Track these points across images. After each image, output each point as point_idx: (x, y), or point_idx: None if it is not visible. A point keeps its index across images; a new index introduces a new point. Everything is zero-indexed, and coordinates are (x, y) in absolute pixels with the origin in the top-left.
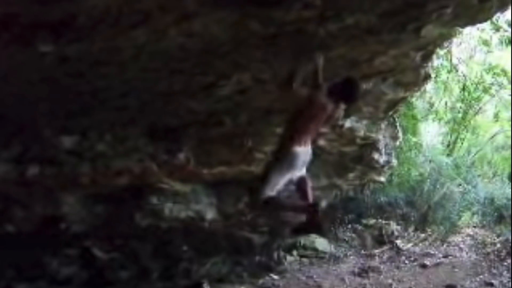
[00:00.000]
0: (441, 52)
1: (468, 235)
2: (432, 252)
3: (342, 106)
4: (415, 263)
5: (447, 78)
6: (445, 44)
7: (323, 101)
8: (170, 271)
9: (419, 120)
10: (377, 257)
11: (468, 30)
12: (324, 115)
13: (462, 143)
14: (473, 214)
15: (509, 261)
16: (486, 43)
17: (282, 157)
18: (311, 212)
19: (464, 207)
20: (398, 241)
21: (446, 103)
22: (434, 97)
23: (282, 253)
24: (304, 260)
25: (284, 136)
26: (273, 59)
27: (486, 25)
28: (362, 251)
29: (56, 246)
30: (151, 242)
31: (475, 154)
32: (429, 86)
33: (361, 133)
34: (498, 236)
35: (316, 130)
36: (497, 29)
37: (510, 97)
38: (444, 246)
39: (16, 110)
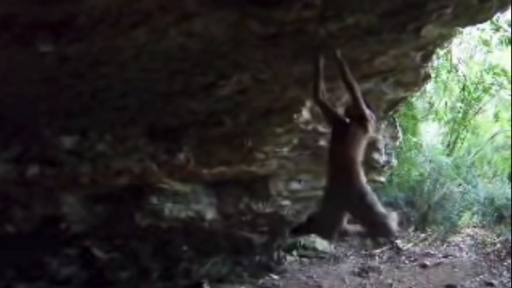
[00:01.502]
0: (441, 52)
1: (468, 235)
2: (432, 252)
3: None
4: (415, 263)
5: (447, 78)
6: (445, 44)
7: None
8: (170, 271)
9: (419, 120)
10: (377, 257)
11: (468, 30)
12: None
13: (462, 143)
14: (473, 214)
15: (509, 261)
16: (486, 43)
17: (362, 197)
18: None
19: (464, 207)
20: (398, 241)
21: (446, 103)
22: (434, 97)
23: (282, 253)
24: (304, 260)
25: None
26: (273, 59)
27: (486, 25)
28: (362, 251)
29: (56, 246)
30: (151, 242)
31: (475, 154)
32: (429, 86)
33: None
34: (498, 236)
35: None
36: (497, 29)
37: (510, 97)
38: (444, 246)
39: (16, 110)
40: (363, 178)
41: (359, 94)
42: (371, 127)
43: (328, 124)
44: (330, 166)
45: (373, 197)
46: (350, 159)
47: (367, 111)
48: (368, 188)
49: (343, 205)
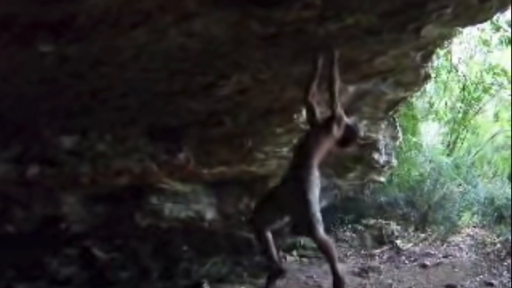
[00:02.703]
0: (441, 52)
1: (468, 235)
2: (432, 252)
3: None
4: (415, 263)
5: (447, 78)
6: (445, 44)
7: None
8: (170, 271)
9: (419, 120)
10: (377, 257)
11: (468, 30)
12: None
13: (462, 143)
14: (473, 214)
15: (509, 261)
16: (486, 43)
17: (307, 177)
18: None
19: (464, 207)
20: (398, 241)
21: (446, 103)
22: (434, 97)
23: (282, 253)
24: (304, 260)
25: (304, 155)
26: (273, 59)
27: (486, 25)
28: (362, 251)
29: (56, 246)
30: (151, 242)
31: (475, 154)
32: (429, 86)
33: (361, 133)
34: (498, 236)
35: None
36: (497, 29)
37: (510, 97)
38: (444, 246)
39: (16, 110)
40: (314, 175)
41: (337, 95)
42: (336, 127)
43: (308, 125)
44: (290, 161)
45: (315, 197)
46: (305, 155)
47: (338, 112)
48: (315, 187)
49: (285, 195)
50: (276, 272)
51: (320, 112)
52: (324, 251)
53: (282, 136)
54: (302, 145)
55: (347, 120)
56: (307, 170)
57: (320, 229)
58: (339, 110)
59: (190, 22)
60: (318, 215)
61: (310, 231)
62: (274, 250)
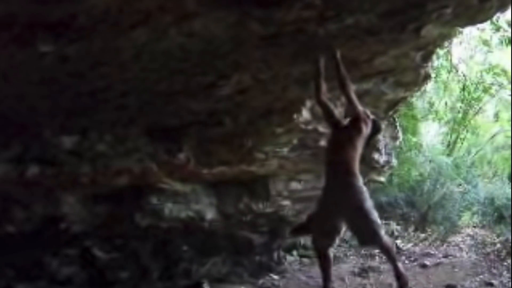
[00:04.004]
0: (441, 52)
1: (468, 235)
2: (432, 252)
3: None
4: (415, 263)
5: (447, 78)
6: (445, 44)
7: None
8: (170, 271)
9: (419, 120)
10: (377, 257)
11: (468, 30)
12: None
13: (462, 143)
14: (473, 214)
15: (509, 261)
16: (486, 43)
17: (357, 184)
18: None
19: (464, 207)
20: (398, 241)
21: (446, 103)
22: (434, 97)
23: (282, 253)
24: (304, 260)
25: (344, 161)
26: (273, 59)
27: (486, 25)
28: (362, 251)
29: (56, 246)
30: (151, 242)
31: (475, 154)
32: (429, 86)
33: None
34: (498, 236)
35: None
36: (497, 29)
37: (510, 97)
38: (444, 246)
39: (16, 110)
40: (361, 181)
41: (353, 94)
42: (365, 126)
43: (328, 125)
44: (328, 168)
45: (370, 203)
46: (347, 161)
47: (361, 110)
48: (366, 193)
49: (340, 207)
50: None
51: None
52: (387, 253)
53: (282, 136)
54: (336, 150)
55: (372, 116)
56: (354, 177)
57: (383, 234)
58: (361, 108)
59: (190, 22)
60: (378, 221)
61: (375, 239)
62: (331, 271)
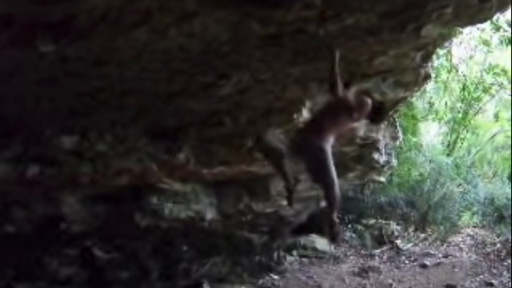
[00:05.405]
0: (441, 52)
1: (468, 235)
2: (432, 252)
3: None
4: (415, 263)
5: (447, 78)
6: (445, 44)
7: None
8: (170, 271)
9: (419, 120)
10: (377, 257)
11: (468, 30)
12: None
13: (462, 143)
14: (473, 214)
15: (509, 261)
16: (486, 43)
17: (319, 151)
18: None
19: (464, 207)
20: (398, 241)
21: (446, 103)
22: (434, 97)
23: (282, 253)
24: (304, 260)
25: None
26: (273, 59)
27: (486, 25)
28: (362, 251)
29: (56, 246)
30: (151, 242)
31: (475, 154)
32: (429, 86)
33: (361, 133)
34: (498, 236)
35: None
36: (497, 29)
37: (510, 97)
38: (444, 246)
39: (16, 110)
40: (328, 144)
41: (342, 93)
42: (356, 115)
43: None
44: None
45: (331, 162)
46: (321, 123)
47: (364, 100)
48: (328, 153)
49: (303, 158)
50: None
51: None
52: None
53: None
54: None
55: (367, 99)
56: (322, 139)
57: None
58: (352, 100)
59: (190, 22)
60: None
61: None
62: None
